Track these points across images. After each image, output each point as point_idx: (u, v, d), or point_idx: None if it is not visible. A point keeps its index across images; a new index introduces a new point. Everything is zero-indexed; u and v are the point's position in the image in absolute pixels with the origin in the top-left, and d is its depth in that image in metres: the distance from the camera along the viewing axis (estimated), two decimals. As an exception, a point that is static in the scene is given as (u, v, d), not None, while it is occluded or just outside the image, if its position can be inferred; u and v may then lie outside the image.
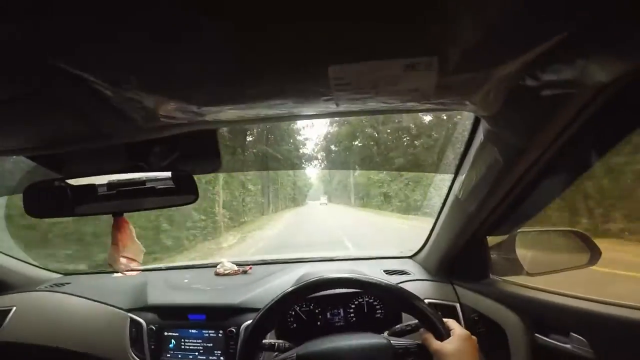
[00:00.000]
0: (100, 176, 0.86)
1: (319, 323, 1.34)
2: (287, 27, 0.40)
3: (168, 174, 0.87)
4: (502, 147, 0.75)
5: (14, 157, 0.88)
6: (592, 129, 0.62)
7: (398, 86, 0.51)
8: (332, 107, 0.58)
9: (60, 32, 0.40)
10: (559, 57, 0.47)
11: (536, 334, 0.99)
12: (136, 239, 0.91)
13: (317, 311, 1.34)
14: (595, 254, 1.12)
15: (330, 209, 29.05)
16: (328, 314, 1.35)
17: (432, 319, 0.88)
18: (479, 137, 0.83)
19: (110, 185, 0.87)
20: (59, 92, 0.52)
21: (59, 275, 1.82)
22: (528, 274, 1.15)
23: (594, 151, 0.70)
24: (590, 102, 0.55)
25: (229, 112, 0.60)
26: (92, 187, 0.87)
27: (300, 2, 0.37)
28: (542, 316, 0.98)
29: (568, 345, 0.88)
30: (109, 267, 0.93)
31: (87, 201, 0.88)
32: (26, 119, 0.59)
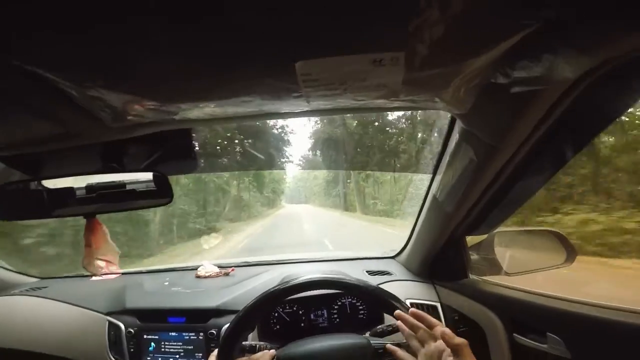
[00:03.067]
0: (73, 177, 0.84)
1: (302, 324, 1.33)
2: (252, 22, 0.40)
3: (143, 175, 0.86)
4: (476, 145, 0.76)
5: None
6: (565, 126, 0.63)
7: (366, 82, 0.51)
8: (303, 104, 0.58)
9: (11, 26, 0.38)
10: (526, 53, 0.47)
11: (514, 334, 1.00)
12: (110, 241, 0.90)
13: (300, 312, 1.34)
14: (571, 254, 1.14)
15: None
16: (311, 315, 1.34)
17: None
18: (455, 136, 0.84)
19: (83, 187, 0.85)
20: (18, 91, 0.50)
21: (35, 280, 1.77)
22: (506, 274, 1.16)
23: (568, 148, 0.71)
24: (561, 99, 0.56)
25: (197, 111, 0.59)
26: (65, 188, 0.85)
27: None
28: (520, 316, 0.99)
29: (545, 346, 0.89)
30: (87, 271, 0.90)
31: (59, 203, 0.86)
32: None
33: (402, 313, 0.83)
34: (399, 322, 0.83)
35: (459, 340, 0.69)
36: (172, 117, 0.60)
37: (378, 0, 0.38)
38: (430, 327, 0.76)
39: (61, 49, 0.42)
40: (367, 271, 1.52)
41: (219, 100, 0.56)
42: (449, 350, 0.69)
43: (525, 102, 0.58)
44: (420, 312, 0.80)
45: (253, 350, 0.96)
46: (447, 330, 0.71)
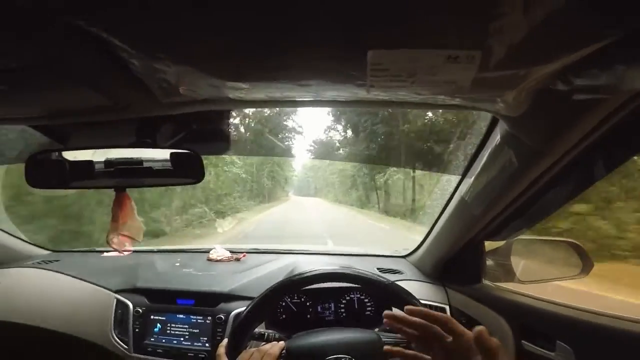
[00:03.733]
0: (106, 150, 0.84)
1: (309, 316, 1.34)
2: (330, 4, 0.39)
3: (174, 151, 0.86)
4: (519, 150, 0.75)
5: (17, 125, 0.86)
6: (612, 137, 0.63)
7: (436, 77, 0.50)
8: (361, 94, 0.57)
9: None
10: (599, 61, 0.47)
11: (523, 341, 1.00)
12: (137, 216, 0.90)
13: (308, 304, 1.34)
14: (587, 266, 1.14)
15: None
16: (319, 307, 1.35)
17: None
18: (495, 138, 0.83)
19: (114, 161, 0.85)
20: (80, 58, 0.50)
21: (48, 252, 1.78)
22: (520, 282, 1.16)
23: (610, 160, 0.70)
24: (617, 111, 0.55)
25: (254, 90, 0.59)
26: (96, 161, 0.85)
27: None
28: (530, 323, 1.00)
29: (553, 354, 0.89)
30: (100, 246, 0.90)
31: (90, 175, 0.86)
32: (41, 87, 0.57)
33: (393, 313, 0.66)
34: (387, 322, 0.65)
35: (494, 342, 0.56)
36: (225, 96, 0.60)
37: None
38: (443, 324, 0.62)
39: (130, 14, 0.42)
40: (377, 268, 1.53)
41: (278, 81, 0.56)
42: (479, 357, 0.57)
43: (582, 110, 0.57)
44: (421, 309, 0.66)
45: (262, 337, 0.97)
46: (484, 330, 0.56)
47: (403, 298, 0.91)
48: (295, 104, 0.67)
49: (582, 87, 0.51)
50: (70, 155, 0.85)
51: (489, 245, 1.23)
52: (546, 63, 0.47)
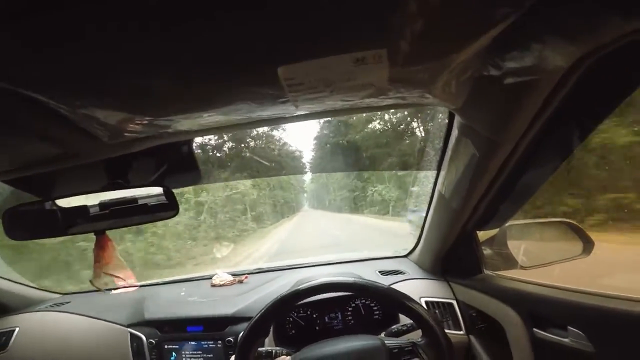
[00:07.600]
0: (80, 197, 0.86)
1: (317, 328, 1.34)
2: (229, 29, 0.40)
3: (148, 189, 0.87)
4: (476, 140, 0.74)
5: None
6: (565, 116, 0.61)
7: (351, 82, 0.50)
8: (291, 109, 0.58)
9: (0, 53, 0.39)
10: (513, 43, 0.46)
11: (534, 329, 0.97)
12: (119, 256, 0.91)
13: (314, 316, 1.34)
14: (588, 244, 1.11)
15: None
16: (326, 318, 1.35)
17: (425, 318, 0.87)
18: (455, 131, 0.82)
19: (91, 205, 0.87)
20: (11, 114, 0.51)
21: (57, 295, 1.83)
22: (522, 268, 1.13)
23: (571, 139, 0.69)
24: (556, 89, 0.55)
25: (188, 122, 0.60)
26: (73, 207, 0.87)
27: (239, 2, 0.37)
28: (539, 310, 0.97)
29: (566, 339, 0.86)
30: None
31: (67, 221, 0.88)
32: None
33: None
34: None
35: None
36: (165, 131, 0.61)
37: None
38: None
39: (46, 68, 0.43)
40: (379, 271, 1.52)
41: (207, 110, 0.56)
42: None
43: (521, 94, 0.56)
44: None
45: (269, 356, 0.97)
46: None
47: (399, 301, 0.90)
48: (235, 127, 0.67)
49: (511, 70, 0.50)
50: (46, 206, 0.87)
51: (484, 234, 1.21)
52: (456, 51, 0.47)
